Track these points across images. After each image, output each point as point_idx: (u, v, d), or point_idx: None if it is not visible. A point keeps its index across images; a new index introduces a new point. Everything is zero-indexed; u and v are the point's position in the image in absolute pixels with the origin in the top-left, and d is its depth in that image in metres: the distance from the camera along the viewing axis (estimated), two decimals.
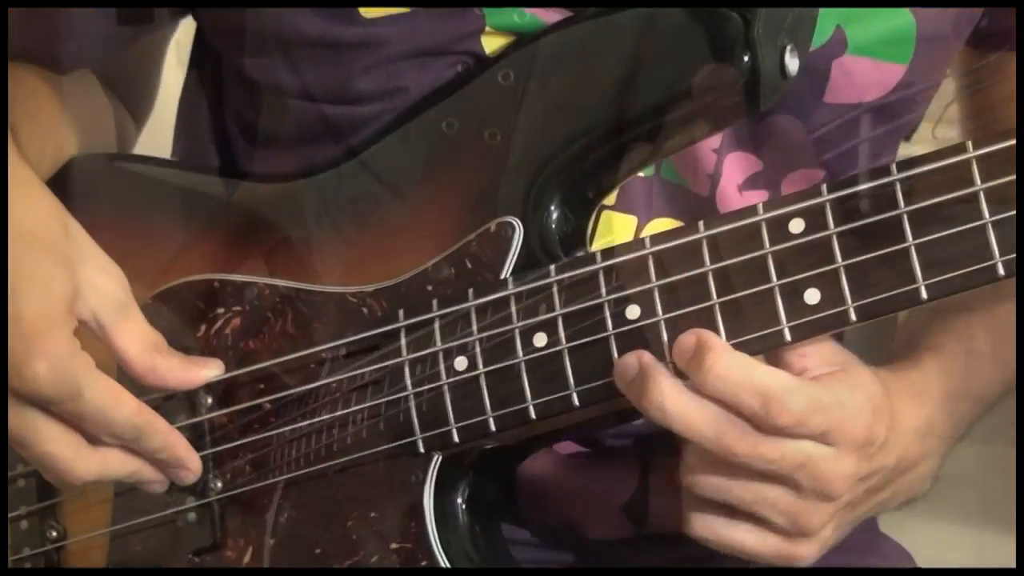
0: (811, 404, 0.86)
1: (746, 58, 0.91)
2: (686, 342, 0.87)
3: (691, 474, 0.89)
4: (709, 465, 0.88)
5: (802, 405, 0.85)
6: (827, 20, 0.97)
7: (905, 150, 1.07)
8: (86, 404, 0.92)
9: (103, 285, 0.95)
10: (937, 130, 1.45)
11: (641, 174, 0.99)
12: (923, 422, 0.94)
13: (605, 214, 1.00)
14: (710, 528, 0.90)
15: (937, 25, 1.00)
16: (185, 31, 1.15)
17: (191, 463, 0.98)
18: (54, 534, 1.03)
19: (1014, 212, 0.83)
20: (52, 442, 0.93)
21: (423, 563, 0.93)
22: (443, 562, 0.93)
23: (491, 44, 0.97)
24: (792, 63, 0.92)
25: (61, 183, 1.06)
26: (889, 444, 0.90)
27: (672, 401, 0.86)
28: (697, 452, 0.88)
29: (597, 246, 0.99)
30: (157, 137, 1.21)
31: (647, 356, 0.87)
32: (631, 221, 1.01)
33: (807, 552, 0.90)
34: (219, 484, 0.98)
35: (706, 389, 0.86)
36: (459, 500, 0.94)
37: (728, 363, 0.85)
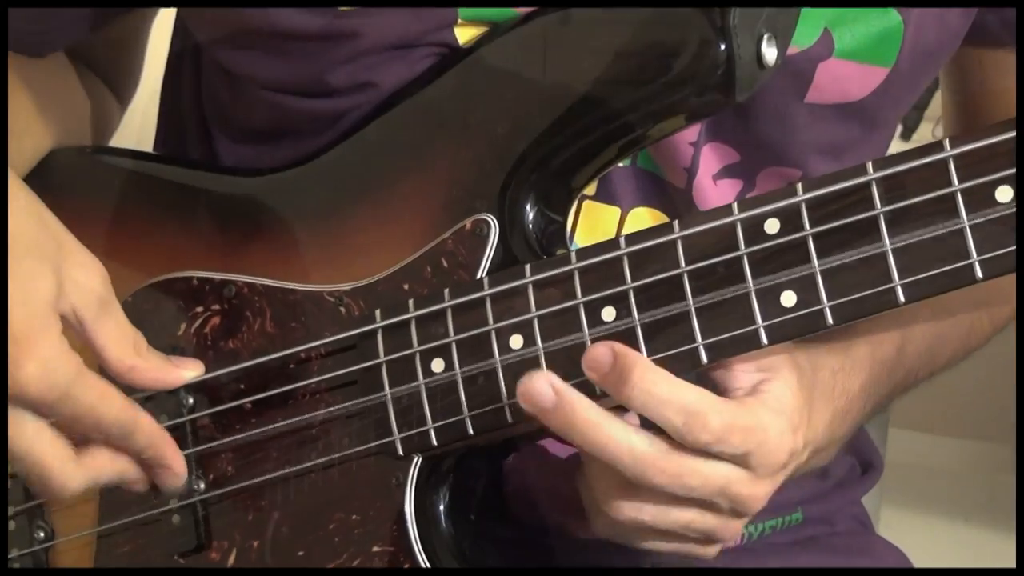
0: (732, 422, 0.85)
1: (722, 47, 0.89)
2: (601, 355, 0.84)
3: (608, 500, 0.87)
4: (623, 491, 0.87)
5: (723, 422, 0.84)
6: (815, 22, 0.95)
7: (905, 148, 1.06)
8: (75, 403, 0.91)
9: (84, 281, 0.93)
10: (937, 129, 1.42)
11: (619, 164, 0.97)
12: (838, 412, 0.93)
13: (587, 204, 0.99)
14: (620, 536, 0.90)
15: (924, 28, 0.97)
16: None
17: (175, 463, 0.96)
18: (42, 534, 1.02)
19: (992, 213, 0.81)
20: (43, 452, 0.92)
21: (405, 566, 0.92)
22: (424, 564, 0.92)
23: (464, 35, 0.95)
24: (769, 52, 0.89)
25: (40, 177, 1.05)
26: (805, 448, 0.89)
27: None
28: (605, 472, 0.87)
29: (580, 238, 0.98)
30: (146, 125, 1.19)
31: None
32: (614, 212, 0.99)
33: (713, 552, 0.91)
34: (202, 485, 0.98)
35: (631, 404, 0.84)
36: (440, 502, 0.93)
37: (654, 378, 0.84)
